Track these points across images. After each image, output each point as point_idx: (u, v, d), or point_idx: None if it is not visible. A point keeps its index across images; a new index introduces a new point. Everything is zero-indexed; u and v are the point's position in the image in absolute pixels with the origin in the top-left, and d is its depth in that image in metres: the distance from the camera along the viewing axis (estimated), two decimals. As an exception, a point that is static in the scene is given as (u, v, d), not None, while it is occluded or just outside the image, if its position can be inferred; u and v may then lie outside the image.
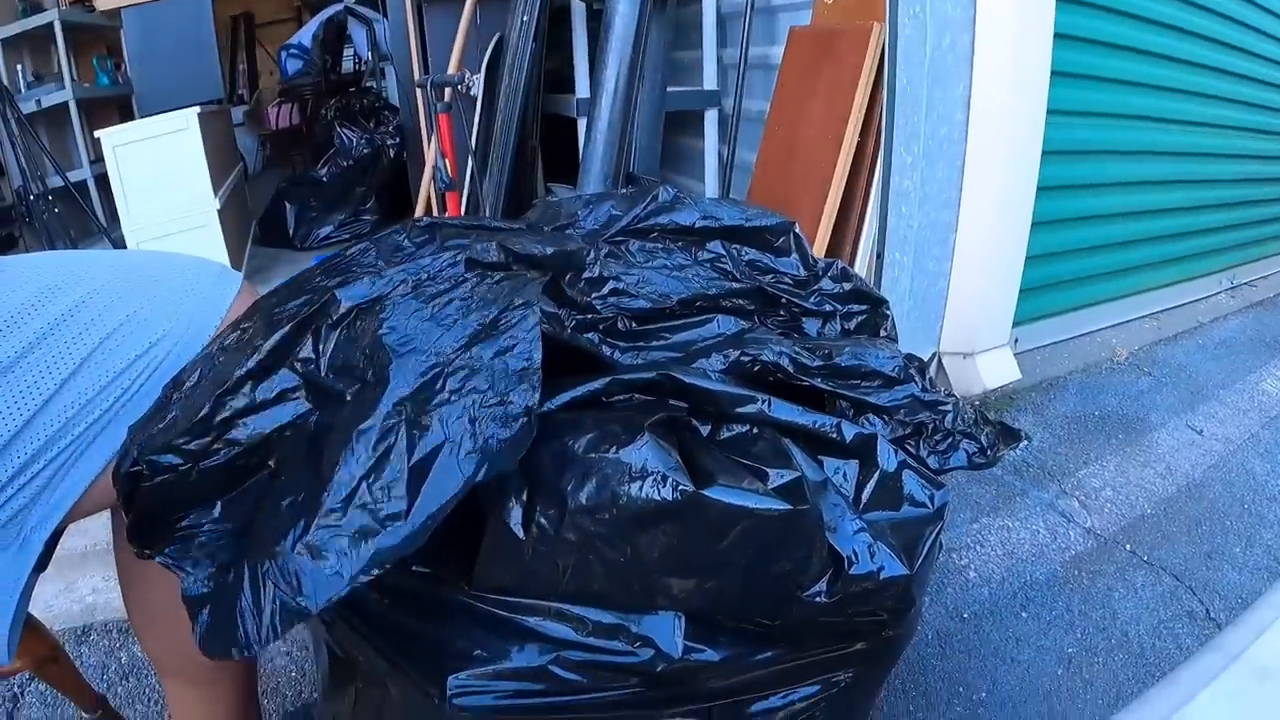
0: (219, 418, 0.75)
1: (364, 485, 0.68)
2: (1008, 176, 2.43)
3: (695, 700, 0.84)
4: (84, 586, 1.80)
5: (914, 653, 1.64)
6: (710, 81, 3.39)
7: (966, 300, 2.54)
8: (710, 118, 3.43)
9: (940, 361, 2.63)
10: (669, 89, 3.21)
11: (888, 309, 1.12)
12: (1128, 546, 1.99)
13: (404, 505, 0.66)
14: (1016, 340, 2.77)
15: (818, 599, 0.80)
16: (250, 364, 0.76)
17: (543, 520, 0.74)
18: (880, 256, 2.47)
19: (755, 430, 0.82)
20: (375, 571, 0.65)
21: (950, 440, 0.96)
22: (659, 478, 0.72)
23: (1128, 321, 3.26)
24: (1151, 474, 2.31)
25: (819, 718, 0.92)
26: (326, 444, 0.72)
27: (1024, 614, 1.77)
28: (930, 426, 0.96)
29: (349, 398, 0.75)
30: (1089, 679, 1.61)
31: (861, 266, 2.54)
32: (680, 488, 0.72)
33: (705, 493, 0.73)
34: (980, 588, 1.85)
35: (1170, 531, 2.05)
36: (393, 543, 0.66)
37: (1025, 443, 1.04)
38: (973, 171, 2.39)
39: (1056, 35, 2.36)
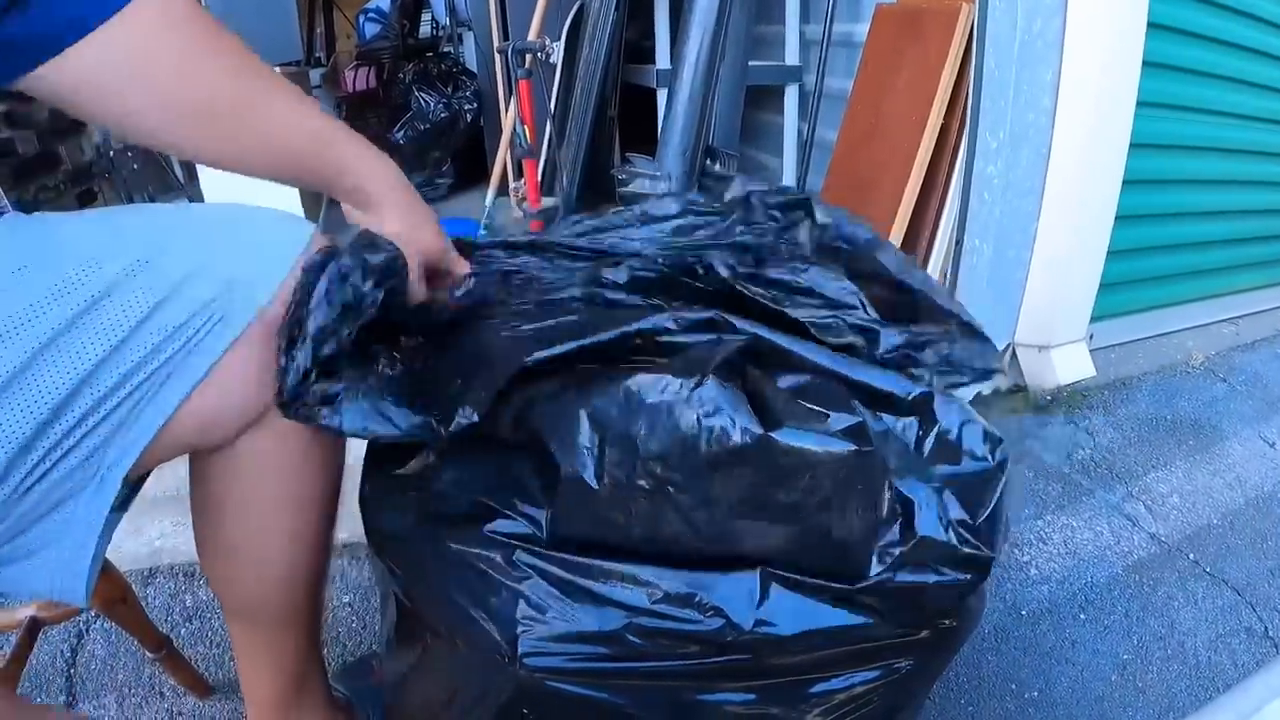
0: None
1: None
2: (1093, 167, 2.36)
3: (759, 676, 0.84)
4: (152, 530, 1.85)
5: (970, 647, 1.62)
6: (792, 57, 3.36)
7: (1045, 292, 2.48)
8: (791, 94, 3.40)
9: (1014, 353, 2.58)
10: (749, 63, 3.18)
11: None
12: (1190, 555, 1.95)
13: None
14: (1092, 336, 2.70)
15: (893, 549, 0.80)
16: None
17: (615, 470, 0.75)
18: (960, 243, 2.43)
19: (813, 378, 0.83)
20: None
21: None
22: (728, 421, 0.73)
23: (1206, 325, 3.15)
24: (1220, 483, 2.25)
25: (877, 702, 0.92)
26: None
27: (1082, 615, 1.75)
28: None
29: None
30: (1142, 687, 1.58)
31: (940, 252, 2.50)
32: (749, 430, 0.73)
33: (774, 435, 0.74)
34: (1040, 585, 1.83)
35: (1235, 544, 2.00)
36: None
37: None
38: (1057, 160, 2.33)
39: (1150, 25, 2.28)
